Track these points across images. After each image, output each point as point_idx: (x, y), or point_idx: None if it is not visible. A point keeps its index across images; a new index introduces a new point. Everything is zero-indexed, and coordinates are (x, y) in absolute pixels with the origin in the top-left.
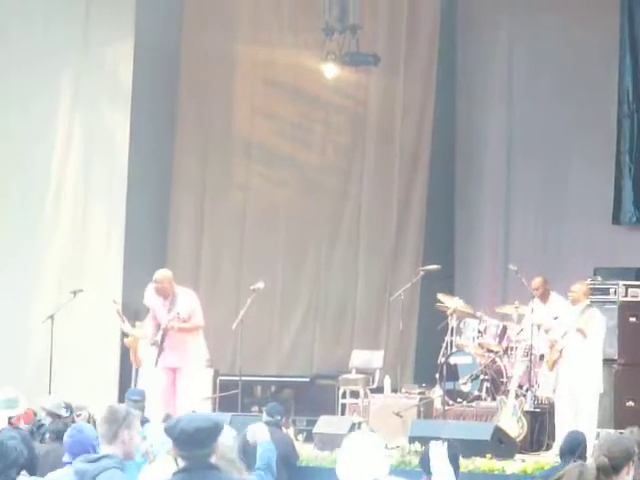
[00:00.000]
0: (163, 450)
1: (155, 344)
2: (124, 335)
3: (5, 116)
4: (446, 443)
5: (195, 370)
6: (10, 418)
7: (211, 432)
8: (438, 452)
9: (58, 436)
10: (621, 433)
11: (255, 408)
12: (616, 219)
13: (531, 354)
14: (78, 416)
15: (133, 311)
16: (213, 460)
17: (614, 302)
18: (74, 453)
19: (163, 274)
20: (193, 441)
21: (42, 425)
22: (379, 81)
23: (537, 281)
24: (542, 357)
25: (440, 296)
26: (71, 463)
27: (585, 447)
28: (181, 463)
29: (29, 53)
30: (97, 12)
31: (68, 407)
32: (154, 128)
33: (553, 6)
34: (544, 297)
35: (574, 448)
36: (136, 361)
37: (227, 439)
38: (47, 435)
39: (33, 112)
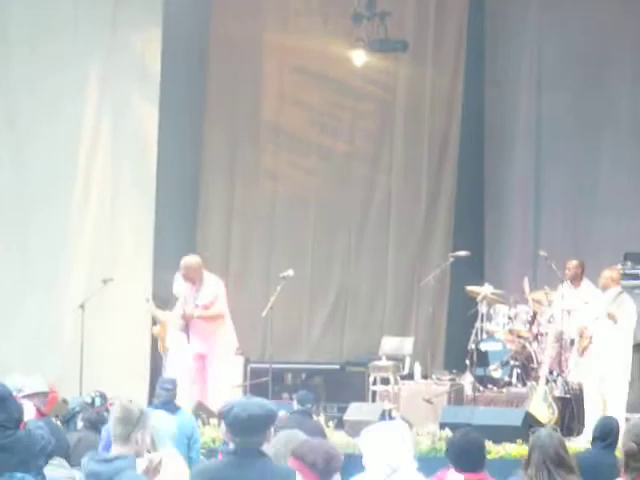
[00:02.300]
0: (167, 437)
1: (182, 330)
2: (153, 324)
3: (32, 99)
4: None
5: (224, 357)
6: (39, 408)
7: (264, 420)
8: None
9: (91, 424)
10: None
11: (286, 395)
12: None
13: (561, 339)
14: (111, 405)
15: (164, 299)
16: (265, 448)
17: None
18: (109, 447)
19: (188, 260)
20: (246, 427)
21: (76, 414)
22: (407, 68)
23: (573, 263)
24: (572, 342)
25: (469, 288)
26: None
27: (617, 433)
28: (231, 446)
29: (57, 34)
30: None
31: (102, 396)
32: (183, 115)
33: None
34: (576, 280)
35: (606, 434)
36: (162, 348)
37: None
38: (80, 423)
39: (60, 95)
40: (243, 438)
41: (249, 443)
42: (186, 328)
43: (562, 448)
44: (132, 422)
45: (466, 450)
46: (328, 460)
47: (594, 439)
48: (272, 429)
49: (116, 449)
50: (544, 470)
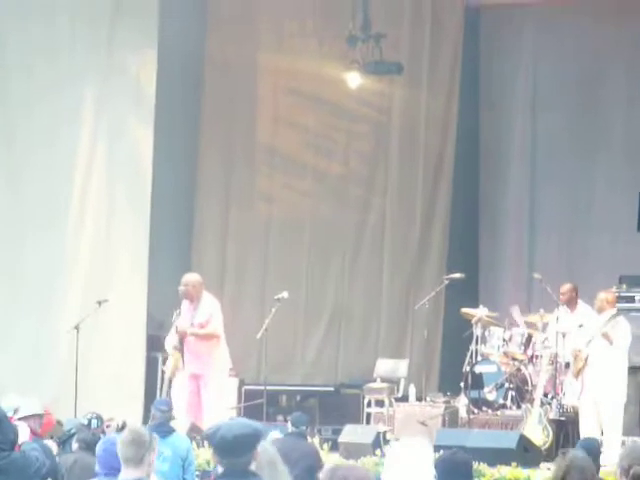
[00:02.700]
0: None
1: (176, 349)
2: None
3: (29, 121)
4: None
5: (219, 379)
6: (34, 430)
7: (250, 439)
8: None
9: (86, 445)
10: None
11: (280, 417)
12: None
13: (556, 362)
14: (108, 427)
15: (158, 321)
16: (253, 467)
17: (639, 310)
18: (106, 465)
19: (189, 277)
20: (232, 448)
21: (72, 435)
22: (402, 90)
23: (566, 287)
24: (567, 365)
25: (464, 310)
26: (103, 475)
27: (599, 454)
28: (220, 469)
29: (53, 58)
30: (121, 19)
31: (98, 418)
32: (178, 137)
33: (576, 14)
34: (571, 304)
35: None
36: (173, 373)
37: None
38: (75, 445)
39: (57, 118)
40: (230, 459)
41: (237, 464)
42: (180, 347)
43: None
44: (144, 445)
45: (452, 468)
46: None
47: None
48: (258, 448)
49: (128, 472)
50: None
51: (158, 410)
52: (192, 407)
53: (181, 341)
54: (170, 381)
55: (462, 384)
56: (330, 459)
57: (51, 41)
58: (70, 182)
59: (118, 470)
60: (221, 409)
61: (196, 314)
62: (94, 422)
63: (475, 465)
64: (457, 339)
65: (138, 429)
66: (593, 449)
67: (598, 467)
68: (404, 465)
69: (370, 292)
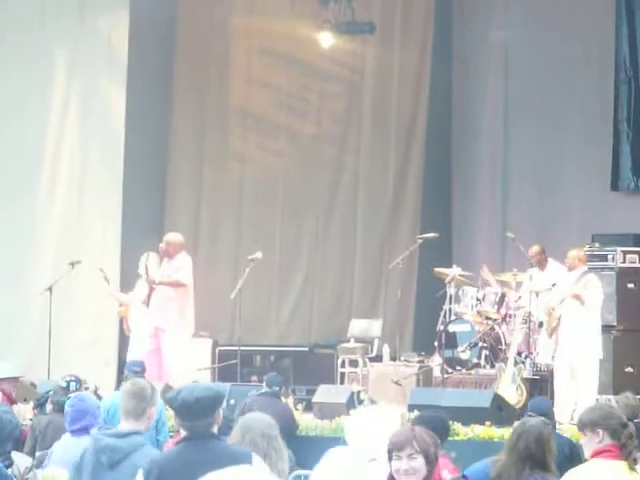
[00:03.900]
0: None
1: (144, 303)
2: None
3: (3, 89)
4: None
5: (179, 332)
6: (8, 393)
7: (212, 402)
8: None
9: (60, 408)
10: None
11: (254, 378)
12: (614, 186)
13: (529, 321)
14: (86, 389)
15: (130, 280)
16: (215, 429)
17: (612, 268)
18: (77, 421)
19: (172, 237)
20: (194, 411)
21: (49, 397)
22: (375, 50)
23: (534, 249)
24: (541, 324)
25: (438, 269)
26: (74, 432)
27: (552, 413)
28: (183, 433)
29: (25, 23)
30: None
31: (77, 380)
32: (150, 98)
33: None
34: (542, 265)
35: (542, 415)
36: (127, 329)
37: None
38: (49, 407)
39: (29, 82)
40: (192, 422)
41: (199, 427)
42: (148, 298)
43: (547, 443)
44: (146, 398)
45: (429, 427)
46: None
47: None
48: (220, 411)
49: (128, 425)
50: (521, 461)
51: (131, 371)
52: (154, 362)
53: (149, 293)
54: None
55: (436, 343)
56: (304, 419)
57: (23, 7)
58: (42, 145)
59: (87, 429)
60: (182, 366)
61: (168, 268)
62: (72, 384)
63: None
64: (431, 299)
65: (141, 382)
66: (544, 409)
67: (554, 425)
68: (367, 433)
69: (344, 252)
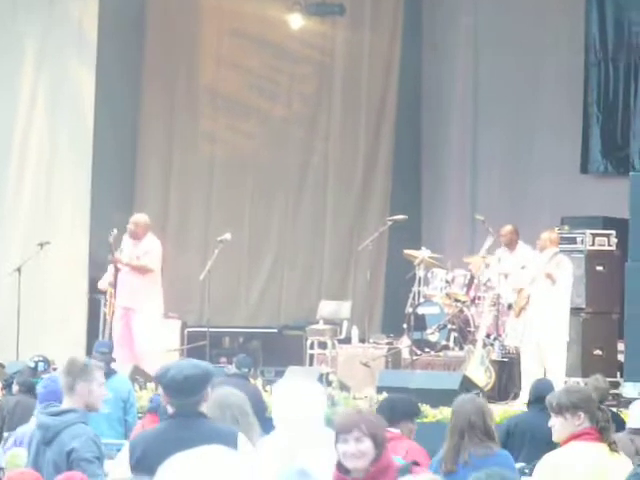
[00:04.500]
0: None
1: (111, 284)
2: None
3: None
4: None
5: (150, 316)
6: None
7: (200, 380)
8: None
9: (26, 388)
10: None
11: (223, 359)
12: (584, 168)
13: (498, 303)
14: (54, 370)
15: (100, 262)
16: (203, 408)
17: (581, 251)
18: (48, 402)
19: (138, 217)
20: (182, 389)
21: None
22: (345, 32)
23: (507, 229)
24: (509, 306)
25: (407, 252)
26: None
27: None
28: (170, 410)
29: None
30: None
31: (45, 360)
32: (120, 80)
33: None
34: (511, 245)
35: (542, 397)
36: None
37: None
38: (15, 387)
39: (0, 68)
40: (181, 400)
41: (187, 404)
42: (114, 279)
43: (479, 414)
44: (74, 373)
45: (398, 408)
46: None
47: (530, 402)
48: (209, 389)
49: (65, 401)
50: (458, 434)
51: (98, 352)
52: (124, 343)
53: (115, 274)
54: (112, 323)
55: (405, 325)
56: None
57: None
58: (12, 126)
59: None
60: (153, 348)
61: (135, 250)
62: (41, 365)
63: None
64: (400, 281)
65: (73, 358)
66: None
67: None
68: (292, 399)
69: (313, 234)
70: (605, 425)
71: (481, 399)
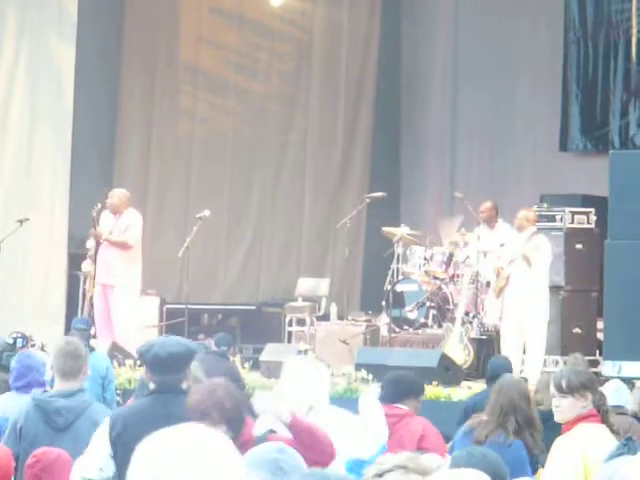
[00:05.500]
0: None
1: (91, 258)
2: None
3: None
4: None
5: (129, 292)
6: None
7: (184, 357)
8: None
9: (4, 364)
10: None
11: (202, 336)
12: (563, 146)
13: (477, 281)
14: (33, 346)
15: (79, 238)
16: (185, 385)
17: (560, 229)
18: (23, 377)
19: (117, 191)
20: (166, 366)
21: None
22: (324, 9)
23: (486, 205)
24: (488, 284)
25: (385, 229)
26: (18, 388)
27: (511, 372)
28: (152, 386)
29: None
30: None
31: (23, 337)
32: (100, 55)
33: None
34: (490, 222)
35: (498, 375)
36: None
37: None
38: None
39: None
40: (163, 376)
41: (170, 381)
42: (95, 253)
43: (524, 399)
44: (82, 356)
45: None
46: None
47: (487, 380)
48: (191, 368)
49: (65, 384)
50: (504, 415)
51: (76, 329)
52: (103, 321)
53: (96, 248)
54: (91, 299)
55: (383, 303)
56: (251, 378)
57: None
58: None
59: (31, 386)
60: (132, 324)
61: (117, 224)
62: (19, 341)
63: None
64: (378, 258)
65: (75, 342)
66: (504, 368)
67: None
68: (296, 383)
69: (292, 210)
70: (606, 407)
71: (526, 384)
